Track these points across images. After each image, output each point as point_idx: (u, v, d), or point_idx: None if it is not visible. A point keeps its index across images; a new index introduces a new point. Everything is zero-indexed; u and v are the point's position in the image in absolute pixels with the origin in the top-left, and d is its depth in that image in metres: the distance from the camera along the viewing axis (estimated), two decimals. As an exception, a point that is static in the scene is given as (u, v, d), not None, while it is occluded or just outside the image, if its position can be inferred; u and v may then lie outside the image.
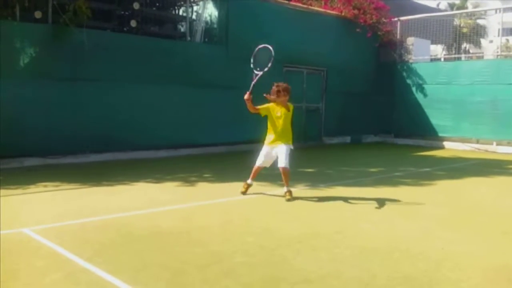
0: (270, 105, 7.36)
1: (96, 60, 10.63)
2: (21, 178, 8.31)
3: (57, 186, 7.82)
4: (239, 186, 8.09)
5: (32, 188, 7.60)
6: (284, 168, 7.19)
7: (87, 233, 5.27)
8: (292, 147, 7.40)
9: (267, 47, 7.39)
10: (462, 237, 5.46)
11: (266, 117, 7.43)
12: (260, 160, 7.39)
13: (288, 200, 7.14)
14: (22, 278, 3.96)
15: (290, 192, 7.26)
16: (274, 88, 7.34)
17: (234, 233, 5.44)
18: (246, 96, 7.22)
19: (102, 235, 5.17)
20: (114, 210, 6.31)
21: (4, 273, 3.99)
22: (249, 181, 7.50)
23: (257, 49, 7.50)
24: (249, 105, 7.26)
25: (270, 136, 7.36)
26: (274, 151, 7.31)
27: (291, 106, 7.41)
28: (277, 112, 7.30)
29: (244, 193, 7.44)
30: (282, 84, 7.38)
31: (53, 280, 3.90)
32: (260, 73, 7.29)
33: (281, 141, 7.29)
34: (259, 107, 7.34)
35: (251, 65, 7.40)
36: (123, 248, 4.77)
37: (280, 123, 7.29)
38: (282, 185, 7.75)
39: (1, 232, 5.11)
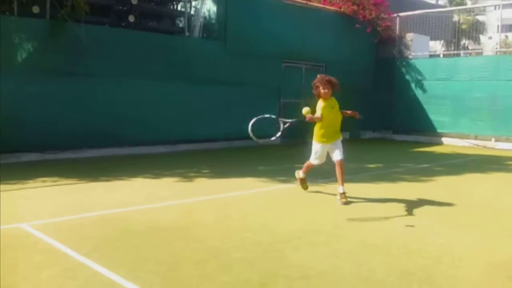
0: (322, 104, 6.76)
1: (94, 55, 10.60)
2: (19, 173, 8.29)
3: (55, 181, 7.80)
4: (237, 182, 8.09)
5: (31, 184, 7.58)
6: (341, 161, 6.78)
7: (85, 228, 5.25)
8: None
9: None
10: (460, 233, 5.46)
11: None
12: (316, 161, 7.00)
13: (345, 203, 6.61)
14: (19, 273, 3.94)
15: (345, 194, 6.73)
16: (317, 83, 6.78)
17: (232, 228, 5.42)
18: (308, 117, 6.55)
19: (100, 231, 5.15)
20: (112, 205, 6.29)
21: (2, 268, 3.98)
22: (303, 175, 7.19)
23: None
24: (314, 119, 6.60)
25: (325, 133, 6.85)
26: (329, 147, 6.89)
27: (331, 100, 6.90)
28: (331, 107, 6.81)
29: (306, 187, 7.17)
30: (324, 77, 6.84)
31: (50, 275, 3.89)
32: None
33: (337, 136, 6.96)
34: (319, 115, 6.65)
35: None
36: (120, 244, 4.76)
37: (334, 117, 6.87)
38: (281, 181, 7.76)
39: (0, 227, 5.11)
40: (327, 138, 6.87)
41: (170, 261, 4.29)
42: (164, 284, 3.79)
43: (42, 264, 4.12)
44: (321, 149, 6.92)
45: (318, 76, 6.91)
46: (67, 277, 3.86)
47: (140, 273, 3.98)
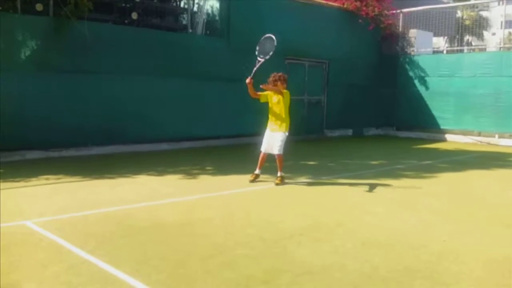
0: (269, 92, 7.77)
1: (97, 52, 10.60)
2: (23, 171, 8.32)
3: (59, 178, 7.83)
4: (240, 178, 8.11)
5: (34, 181, 7.60)
6: (278, 155, 7.70)
7: (89, 225, 5.28)
8: (287, 134, 7.78)
9: (272, 38, 7.77)
10: (463, 229, 5.46)
11: (267, 106, 7.82)
12: (264, 147, 7.80)
13: (277, 184, 7.63)
14: (24, 270, 3.97)
15: (282, 177, 7.75)
16: (271, 78, 7.76)
17: (236, 225, 5.44)
18: (247, 80, 7.49)
19: (104, 228, 5.17)
20: (116, 202, 6.32)
21: (6, 265, 4.00)
22: (257, 171, 7.84)
23: (263, 37, 7.89)
24: (250, 89, 7.55)
25: (270, 122, 7.82)
26: (273, 137, 7.75)
27: (286, 92, 7.76)
28: (274, 98, 7.73)
29: (252, 181, 7.78)
30: (278, 74, 7.80)
31: (55, 272, 3.91)
32: (262, 60, 7.63)
33: (278, 128, 7.73)
34: (259, 93, 7.74)
35: (256, 52, 7.76)
36: (124, 240, 4.78)
37: (276, 109, 7.70)
38: (284, 178, 7.79)
39: (3, 224, 5.13)
40: (270, 127, 7.80)
41: (175, 257, 4.31)
42: (169, 280, 3.81)
43: (47, 261, 4.14)
44: (266, 135, 7.83)
45: (279, 73, 7.85)
46: (72, 274, 3.88)
47: (145, 269, 4.00)
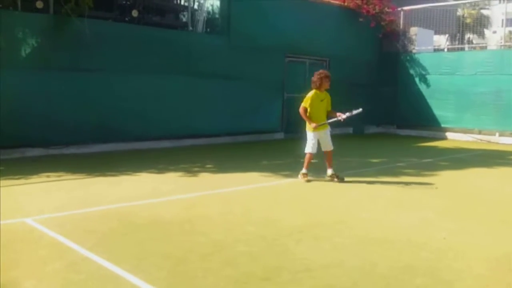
0: (312, 94, 7.75)
1: (97, 50, 10.58)
2: (23, 168, 8.32)
3: (59, 176, 7.83)
4: (240, 176, 8.11)
5: (35, 178, 7.60)
6: (331, 151, 7.95)
7: (89, 222, 5.28)
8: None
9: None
10: (464, 227, 5.46)
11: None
12: (314, 147, 7.83)
13: (339, 181, 7.74)
14: (24, 267, 3.97)
15: (335, 175, 7.81)
16: (317, 76, 7.76)
17: (236, 222, 5.44)
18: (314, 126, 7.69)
19: (104, 225, 5.17)
20: (116, 200, 6.32)
21: (6, 262, 4.00)
22: (304, 170, 7.78)
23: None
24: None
25: (315, 122, 7.72)
26: (319, 135, 7.82)
27: (327, 94, 7.95)
28: (321, 98, 7.82)
29: (309, 181, 7.75)
30: (323, 72, 7.88)
31: (55, 269, 3.91)
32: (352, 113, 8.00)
33: (326, 125, 7.90)
34: (308, 109, 7.74)
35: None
36: (125, 238, 4.78)
37: (323, 108, 7.85)
38: (284, 176, 7.80)
39: (3, 222, 5.12)
40: (319, 126, 7.78)
41: (175, 254, 4.31)
42: (169, 277, 3.81)
43: (47, 258, 4.14)
44: (313, 137, 7.80)
45: (323, 71, 7.92)
46: (72, 271, 3.89)
47: (145, 266, 4.00)
